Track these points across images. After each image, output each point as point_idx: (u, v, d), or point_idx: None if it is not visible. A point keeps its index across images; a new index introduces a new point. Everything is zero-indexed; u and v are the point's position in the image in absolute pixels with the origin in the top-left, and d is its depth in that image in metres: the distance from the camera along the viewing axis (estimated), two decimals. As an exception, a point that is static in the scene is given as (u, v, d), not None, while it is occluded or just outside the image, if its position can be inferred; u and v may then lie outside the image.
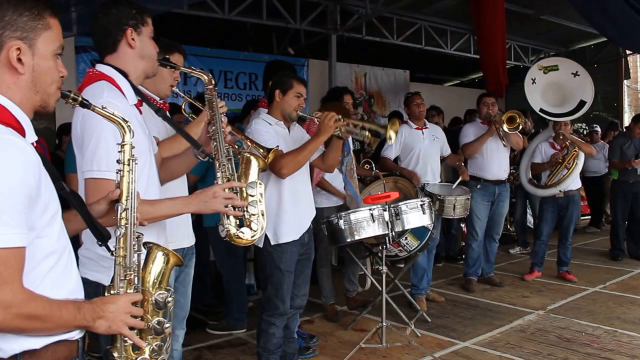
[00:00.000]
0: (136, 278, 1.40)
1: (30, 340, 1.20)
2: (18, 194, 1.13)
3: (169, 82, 2.41)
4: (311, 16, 7.28)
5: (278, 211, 2.93)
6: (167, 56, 2.41)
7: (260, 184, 2.05)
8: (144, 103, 1.97)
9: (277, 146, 2.80)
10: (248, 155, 2.11)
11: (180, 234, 2.38)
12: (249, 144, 2.71)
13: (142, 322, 1.36)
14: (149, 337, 1.40)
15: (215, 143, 1.99)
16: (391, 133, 3.04)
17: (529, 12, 7.94)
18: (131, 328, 1.33)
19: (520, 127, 4.86)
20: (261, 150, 2.70)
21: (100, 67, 1.83)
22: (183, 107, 2.82)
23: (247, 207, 1.96)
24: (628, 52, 9.89)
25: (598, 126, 8.43)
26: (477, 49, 8.07)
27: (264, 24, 7.05)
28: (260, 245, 2.94)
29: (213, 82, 2.13)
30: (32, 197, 1.16)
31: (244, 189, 1.98)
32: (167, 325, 1.42)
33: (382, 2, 6.80)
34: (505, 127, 4.81)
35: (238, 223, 1.99)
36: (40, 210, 1.19)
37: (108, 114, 1.40)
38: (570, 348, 3.65)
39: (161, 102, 2.46)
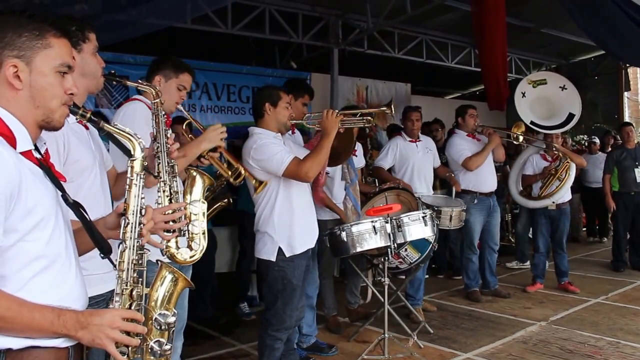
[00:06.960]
0: (137, 295, 1.38)
1: (7, 340, 1.20)
2: None
3: (174, 99, 2.49)
4: (313, 30, 7.35)
5: (291, 222, 2.96)
6: (178, 75, 2.50)
7: (203, 202, 1.98)
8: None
9: (267, 181, 2.89)
10: (194, 172, 2.03)
11: None
12: (243, 172, 2.73)
13: (134, 340, 1.30)
14: (149, 356, 1.38)
15: (159, 161, 1.90)
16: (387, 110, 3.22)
17: (529, 25, 8.00)
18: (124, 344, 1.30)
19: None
20: (254, 181, 2.82)
21: None
22: (185, 126, 2.87)
23: (188, 226, 1.88)
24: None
25: (597, 137, 8.45)
26: (478, 62, 8.13)
27: (266, 38, 7.12)
28: (273, 259, 2.94)
29: (159, 95, 2.08)
30: (7, 200, 1.18)
31: (187, 207, 1.91)
32: (166, 347, 1.39)
33: (383, 17, 6.86)
34: (520, 136, 4.99)
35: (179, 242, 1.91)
36: (20, 214, 1.21)
37: (118, 131, 1.45)
38: (572, 359, 3.65)
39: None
